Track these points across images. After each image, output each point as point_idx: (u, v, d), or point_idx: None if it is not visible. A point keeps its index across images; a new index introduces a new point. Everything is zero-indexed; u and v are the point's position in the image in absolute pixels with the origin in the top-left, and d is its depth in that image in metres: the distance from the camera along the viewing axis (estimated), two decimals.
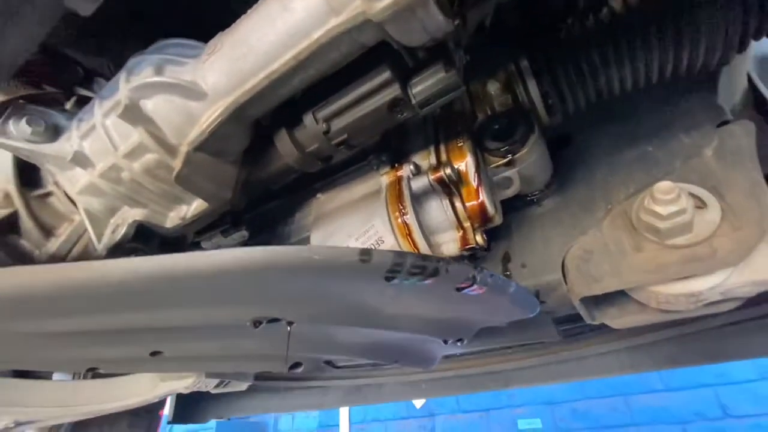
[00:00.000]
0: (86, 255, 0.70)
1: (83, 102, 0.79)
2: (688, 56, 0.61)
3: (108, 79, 0.87)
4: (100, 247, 0.66)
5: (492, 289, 0.54)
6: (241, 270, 0.41)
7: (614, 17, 0.63)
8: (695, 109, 0.73)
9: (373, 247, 0.68)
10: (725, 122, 0.70)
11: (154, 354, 0.60)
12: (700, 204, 0.64)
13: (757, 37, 0.61)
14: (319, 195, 0.83)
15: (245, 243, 0.98)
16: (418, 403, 3.55)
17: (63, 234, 0.70)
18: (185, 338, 0.58)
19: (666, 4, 0.60)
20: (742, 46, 0.61)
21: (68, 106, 0.76)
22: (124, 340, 0.56)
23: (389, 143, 0.75)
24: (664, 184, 0.59)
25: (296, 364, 0.71)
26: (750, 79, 0.90)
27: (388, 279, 0.45)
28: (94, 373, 0.63)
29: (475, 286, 0.51)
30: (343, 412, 3.77)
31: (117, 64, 0.73)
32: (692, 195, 0.64)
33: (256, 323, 0.52)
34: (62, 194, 0.69)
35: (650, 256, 0.64)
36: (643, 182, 0.71)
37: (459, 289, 0.51)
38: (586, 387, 3.06)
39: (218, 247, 1.01)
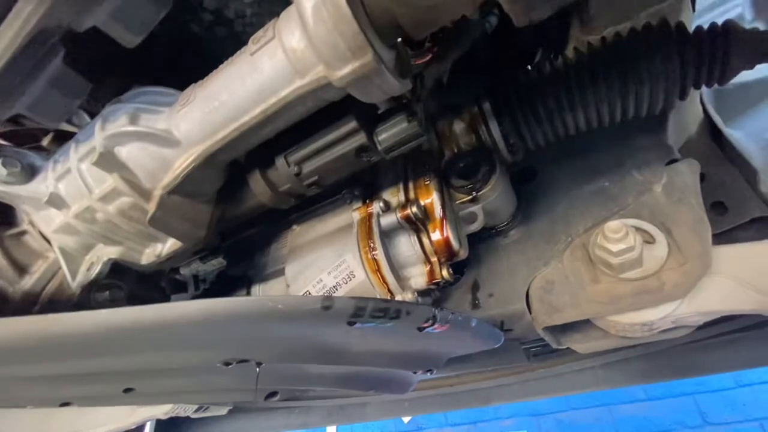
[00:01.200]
0: (60, 292, 0.71)
1: (60, 137, 0.80)
2: (634, 104, 0.66)
3: (86, 110, 0.89)
4: (75, 284, 0.67)
5: (453, 326, 0.57)
6: (209, 320, 0.43)
7: (567, 67, 0.68)
8: (647, 147, 0.78)
9: (344, 281, 0.70)
10: (674, 160, 0.76)
11: (126, 391, 0.61)
12: (650, 239, 0.68)
13: (696, 87, 0.66)
14: (294, 226, 0.85)
15: (223, 271, 1.00)
16: (406, 417, 3.54)
17: (37, 271, 0.70)
18: (157, 377, 0.59)
19: (612, 57, 0.65)
20: (683, 95, 0.66)
21: (45, 142, 0.78)
22: (96, 380, 0.57)
23: (362, 177, 0.78)
24: (614, 224, 0.63)
25: (273, 393, 0.73)
26: (705, 109, 0.96)
27: (350, 323, 0.48)
28: None
29: (436, 325, 0.54)
30: (330, 426, 3.73)
31: (95, 98, 0.75)
32: (642, 230, 0.69)
33: (227, 363, 0.54)
34: (37, 233, 0.70)
35: (605, 288, 0.68)
36: (600, 216, 0.75)
37: (421, 329, 0.54)
38: (570, 398, 3.09)
39: (197, 272, 1.02)
